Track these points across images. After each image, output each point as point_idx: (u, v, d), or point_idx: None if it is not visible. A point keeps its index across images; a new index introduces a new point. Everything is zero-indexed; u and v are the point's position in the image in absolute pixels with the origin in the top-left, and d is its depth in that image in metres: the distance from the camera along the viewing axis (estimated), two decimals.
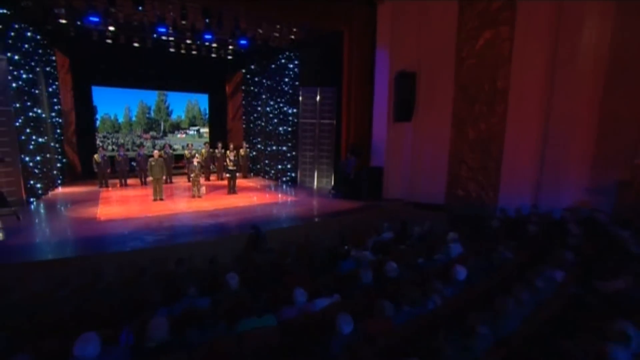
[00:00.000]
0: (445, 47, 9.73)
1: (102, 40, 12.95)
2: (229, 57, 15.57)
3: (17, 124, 9.42)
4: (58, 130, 12.98)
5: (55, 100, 12.82)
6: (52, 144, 12.02)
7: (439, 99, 10.03)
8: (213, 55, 15.13)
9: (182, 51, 14.52)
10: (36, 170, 10.38)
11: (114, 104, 16.31)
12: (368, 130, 11.60)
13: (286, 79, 13.89)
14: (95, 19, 10.49)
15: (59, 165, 12.75)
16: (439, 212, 9.96)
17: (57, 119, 13.03)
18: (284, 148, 14.23)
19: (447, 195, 10.44)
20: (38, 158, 10.51)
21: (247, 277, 4.82)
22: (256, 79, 15.87)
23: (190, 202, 10.31)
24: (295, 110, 13.61)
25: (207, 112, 18.14)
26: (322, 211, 9.58)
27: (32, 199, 9.83)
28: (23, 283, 4.89)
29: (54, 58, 12.96)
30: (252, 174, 16.36)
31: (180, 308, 3.94)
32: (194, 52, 14.82)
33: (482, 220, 8.78)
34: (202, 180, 14.17)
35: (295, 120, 13.62)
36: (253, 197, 11.49)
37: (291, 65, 13.65)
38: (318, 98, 13.21)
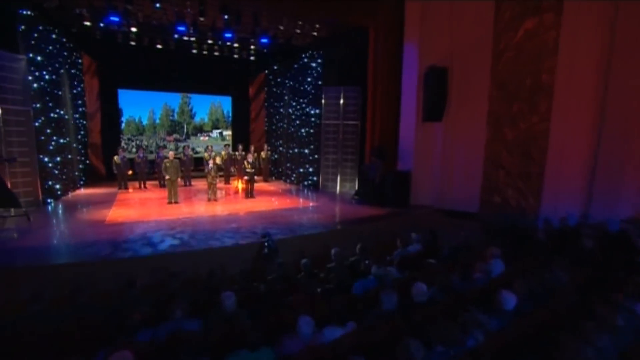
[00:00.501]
0: (481, 39, 8.77)
1: (126, 43, 12.87)
2: (252, 58, 15.17)
3: (37, 124, 9.26)
4: (82, 132, 12.91)
5: (79, 102, 12.77)
6: (74, 145, 11.91)
7: (474, 96, 9.07)
8: (235, 55, 14.79)
9: (205, 52, 14.27)
10: (55, 171, 10.20)
11: (139, 107, 16.24)
12: (394, 131, 10.76)
13: (309, 79, 13.27)
14: (116, 19, 10.30)
15: (81, 166, 12.66)
16: (473, 221, 8.97)
17: (82, 121, 12.98)
18: (306, 151, 13.59)
19: (482, 202, 9.41)
20: (58, 159, 10.35)
21: (250, 295, 4.14)
22: (279, 80, 15.36)
23: (204, 206, 9.81)
24: (317, 111, 12.95)
25: (230, 114, 17.84)
26: (343, 218, 8.82)
27: (49, 200, 9.63)
28: None
29: (80, 61, 12.95)
30: (273, 178, 15.81)
31: (166, 331, 3.30)
32: (216, 53, 14.53)
33: (523, 231, 7.76)
34: (221, 183, 13.79)
35: (318, 122, 12.96)
36: (271, 201, 10.88)
37: (314, 65, 13.02)
38: (342, 98, 12.50)
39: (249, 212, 9.24)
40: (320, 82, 12.79)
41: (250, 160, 11.07)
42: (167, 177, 9.88)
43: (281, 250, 6.47)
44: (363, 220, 8.60)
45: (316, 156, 13.18)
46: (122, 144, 14.95)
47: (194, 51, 13.95)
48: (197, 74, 15.47)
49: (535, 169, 8.55)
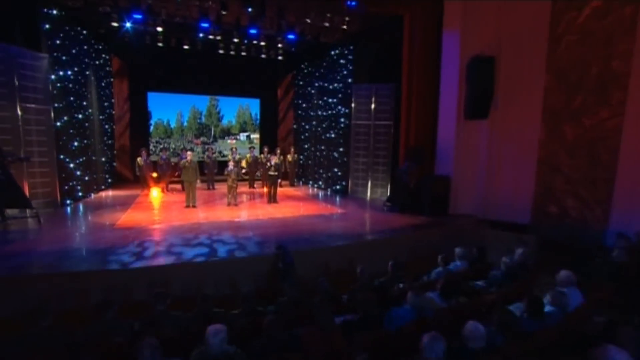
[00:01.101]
0: (535, 23, 7.54)
1: (154, 44, 12.55)
2: (280, 58, 14.46)
3: (59, 124, 8.96)
4: (108, 134, 12.71)
5: (106, 104, 12.59)
6: (99, 147, 11.68)
7: (526, 88, 7.82)
8: (263, 55, 14.15)
9: (232, 52, 13.70)
10: (78, 172, 9.90)
11: (167, 110, 15.98)
12: (432, 131, 9.63)
13: (338, 77, 12.38)
14: (139, 16, 9.93)
15: (107, 168, 12.42)
16: (524, 234, 7.68)
17: (109, 123, 12.80)
18: (335, 154, 12.67)
19: (535, 212, 8.10)
20: (81, 160, 10.05)
21: (250, 325, 3.25)
22: (307, 80, 14.60)
23: (222, 211, 9.11)
24: (347, 111, 12.03)
25: (258, 116, 17.27)
26: (373, 228, 7.79)
27: (69, 201, 9.28)
28: None
29: (109, 63, 12.78)
30: (300, 182, 15.00)
31: None
32: (243, 54, 13.94)
33: (591, 249, 6.44)
34: (245, 187, 13.13)
35: (347, 122, 12.03)
36: (295, 207, 10.03)
37: (343, 61, 12.13)
38: (373, 97, 11.52)
39: (269, 219, 8.43)
40: (350, 80, 11.88)
41: (273, 162, 10.29)
42: (185, 181, 9.27)
43: (300, 265, 5.57)
44: (396, 231, 7.54)
45: (345, 159, 12.24)
46: (151, 146, 14.69)
47: (221, 51, 13.43)
48: (225, 76, 15.09)
49: (603, 174, 7.20)
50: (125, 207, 9.18)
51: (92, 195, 10.82)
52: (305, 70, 14.77)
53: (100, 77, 11.92)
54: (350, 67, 11.87)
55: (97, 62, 11.56)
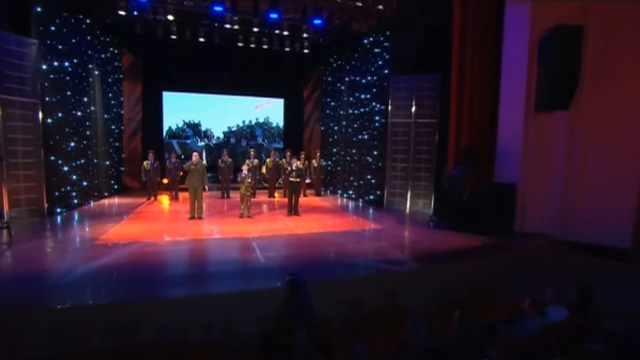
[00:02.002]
0: None
1: (167, 37, 11.74)
2: (305, 51, 13.29)
3: (50, 120, 8.13)
4: (115, 136, 11.95)
5: (114, 102, 11.86)
6: (103, 149, 10.90)
7: (626, 68, 6.12)
8: (287, 48, 13.03)
9: (252, 45, 12.69)
10: (73, 177, 9.06)
11: (184, 110, 15.19)
12: (490, 128, 8.06)
13: (372, 69, 11.03)
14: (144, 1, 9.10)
15: (112, 172, 11.63)
16: (624, 262, 5.93)
17: (117, 123, 12.07)
18: (368, 158, 11.26)
19: (638, 233, 6.30)
20: (78, 162, 9.22)
21: None
22: (336, 75, 13.34)
23: (232, 224, 7.91)
24: (383, 108, 10.63)
25: (283, 118, 16.19)
26: (418, 251, 6.27)
27: (59, 209, 8.41)
28: None
29: (118, 57, 12.08)
30: (327, 191, 13.66)
31: None
32: (265, 46, 12.89)
33: None
34: (264, 195, 11.95)
35: (384, 121, 10.62)
36: (320, 221, 8.69)
37: (378, 50, 10.77)
38: (414, 90, 10.07)
39: (287, 235, 7.12)
40: (387, 72, 10.49)
41: (294, 167, 9.01)
42: (189, 188, 8.15)
43: (322, 300, 4.20)
44: (448, 256, 6.00)
45: (380, 164, 10.81)
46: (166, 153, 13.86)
47: (240, 44, 12.45)
48: (246, 73, 14.20)
49: None
50: (121, 218, 8.17)
51: (92, 203, 9.97)
52: (334, 64, 13.52)
53: (107, 71, 11.19)
54: (387, 57, 10.49)
55: (102, 56, 10.84)
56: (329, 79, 13.92)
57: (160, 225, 7.70)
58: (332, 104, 13.65)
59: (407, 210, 10.29)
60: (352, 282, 4.81)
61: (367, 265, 5.53)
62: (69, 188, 8.84)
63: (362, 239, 7.06)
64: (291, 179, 9.00)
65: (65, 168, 8.68)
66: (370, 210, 10.24)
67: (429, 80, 9.90)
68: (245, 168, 8.56)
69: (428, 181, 10.09)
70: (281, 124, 16.27)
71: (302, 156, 10.67)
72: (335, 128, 13.43)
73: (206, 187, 8.47)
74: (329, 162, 13.55)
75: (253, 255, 5.71)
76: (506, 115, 7.57)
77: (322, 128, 14.49)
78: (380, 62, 10.74)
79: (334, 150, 13.55)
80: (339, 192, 13.07)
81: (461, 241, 6.81)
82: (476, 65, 8.08)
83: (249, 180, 8.50)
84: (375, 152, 11.00)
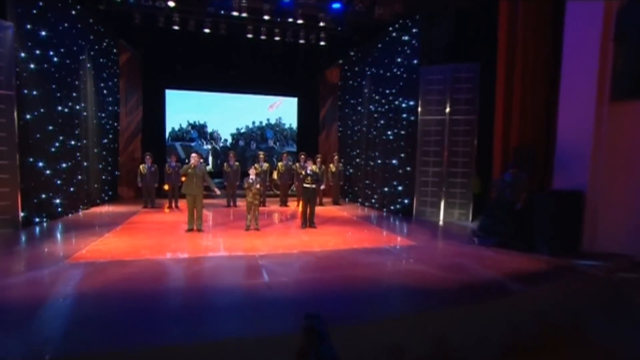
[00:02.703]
0: None
1: (169, 28, 10.95)
2: (322, 44, 12.33)
3: (29, 116, 7.33)
4: (110, 136, 11.14)
5: (110, 99, 11.07)
6: (95, 151, 10.07)
7: None
8: (301, 41, 12.11)
9: (263, 37, 11.80)
10: (58, 182, 8.21)
11: (188, 109, 14.40)
12: (547, 123, 6.90)
13: (399, 59, 9.97)
14: None
15: (105, 177, 10.81)
16: None
17: (112, 122, 11.26)
18: (394, 161, 10.16)
19: None
20: (64, 165, 8.39)
21: None
22: (356, 69, 12.32)
23: (236, 238, 6.90)
24: (412, 104, 9.55)
25: (296, 118, 15.29)
26: (465, 277, 5.10)
27: (39, 219, 7.56)
28: None
29: (114, 50, 11.31)
30: (346, 199, 12.58)
31: None
32: (277, 38, 11.99)
33: None
34: (275, 204, 10.96)
35: (412, 119, 9.53)
36: (339, 235, 7.62)
37: (406, 37, 9.71)
38: (450, 82, 8.98)
39: (301, 253, 6.05)
40: (416, 61, 9.41)
41: (309, 170, 7.98)
42: (187, 195, 7.19)
43: (352, 350, 3.15)
44: (505, 284, 4.82)
45: (409, 168, 9.71)
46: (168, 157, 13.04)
47: (250, 36, 11.57)
48: (256, 69, 13.44)
49: None
50: (107, 230, 7.25)
51: (81, 212, 9.12)
52: (354, 57, 12.51)
53: (101, 65, 10.41)
54: (416, 44, 9.43)
55: (96, 47, 10.07)
56: (348, 73, 12.90)
57: (152, 238, 6.73)
58: (352, 101, 12.61)
59: (441, 221, 9.14)
60: (388, 324, 3.70)
61: (405, 298, 4.42)
62: (51, 194, 7.99)
63: (393, 259, 5.94)
64: (306, 185, 7.95)
65: (48, 171, 7.84)
66: (398, 222, 9.11)
67: (466, 70, 8.79)
68: (252, 172, 7.55)
69: (465, 188, 8.94)
70: (294, 125, 15.36)
71: (319, 160, 9.57)
72: (356, 128, 12.37)
73: (216, 189, 7.50)
74: (348, 167, 12.47)
75: (259, 281, 4.66)
76: (569, 106, 6.39)
77: (341, 129, 13.44)
78: (408, 52, 9.68)
79: (354, 153, 12.48)
80: (360, 200, 11.98)
81: (517, 263, 5.63)
82: (529, 48, 6.95)
83: (257, 186, 7.50)
84: (403, 155, 9.89)
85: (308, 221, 8.03)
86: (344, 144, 13.12)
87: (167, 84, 13.65)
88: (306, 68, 13.94)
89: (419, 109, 9.33)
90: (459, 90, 8.89)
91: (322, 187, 8.19)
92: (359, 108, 12.13)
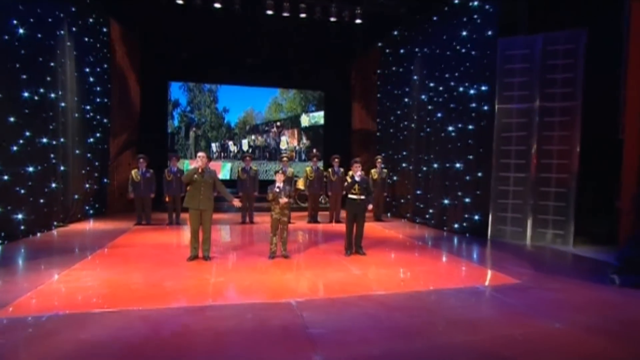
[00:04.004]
0: None
1: (171, 4, 9.55)
2: (358, 22, 10.70)
3: None
4: (98, 135, 9.64)
5: (98, 89, 9.58)
6: (78, 152, 8.59)
7: None
8: (332, 18, 10.52)
9: (285, 14, 10.27)
10: (21, 191, 6.65)
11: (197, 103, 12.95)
12: None
13: (464, 32, 8.23)
14: None
15: (91, 184, 9.29)
16: None
17: (99, 117, 9.77)
18: (458, 165, 8.37)
19: None
20: (30, 170, 6.85)
21: None
22: (402, 51, 10.59)
23: (259, 273, 5.17)
24: (484, 89, 7.77)
25: (323, 114, 13.71)
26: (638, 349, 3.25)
27: None
28: None
29: (104, 29, 9.85)
30: (388, 214, 10.76)
31: None
32: (303, 15, 10.44)
33: None
34: (302, 221, 9.23)
35: (486, 109, 7.76)
36: (400, 266, 5.85)
37: (476, 3, 7.96)
38: (539, 57, 7.17)
39: (358, 299, 4.26)
40: (490, 33, 7.65)
41: (358, 177, 6.23)
42: (190, 209, 5.52)
43: None
44: None
45: (480, 174, 7.89)
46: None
47: (269, 12, 10.03)
48: (277, 56, 12.29)
49: None
50: (82, 256, 5.63)
51: (55, 230, 7.56)
52: (399, 37, 10.81)
53: (86, 45, 8.98)
54: (492, 10, 7.69)
55: (80, 22, 8.61)
56: (390, 58, 11.19)
57: (139, 271, 5.05)
58: (395, 91, 10.87)
59: (528, 243, 7.28)
60: None
61: None
62: (10, 207, 6.41)
63: (503, 310, 4.08)
64: (353, 195, 6.19)
65: (6, 177, 6.28)
66: (471, 246, 7.26)
67: (565, 40, 7.00)
68: (279, 179, 5.83)
69: (562, 200, 7.06)
70: (321, 121, 13.72)
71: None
72: (401, 125, 10.61)
73: (234, 200, 5.85)
74: (391, 174, 10.66)
75: (304, 355, 2.90)
76: None
77: (379, 126, 11.68)
78: (478, 21, 7.92)
79: (398, 156, 10.70)
80: (408, 215, 10.16)
81: None
82: None
83: (287, 199, 5.79)
84: (471, 157, 8.08)
85: (355, 245, 6.27)
86: (385, 144, 11.34)
87: (169, 74, 12.29)
88: (337, 53, 12.56)
89: (497, 96, 7.54)
90: (554, 68, 7.09)
91: (370, 207, 6.44)
92: (406, 99, 10.38)
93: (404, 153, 10.50)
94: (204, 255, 5.60)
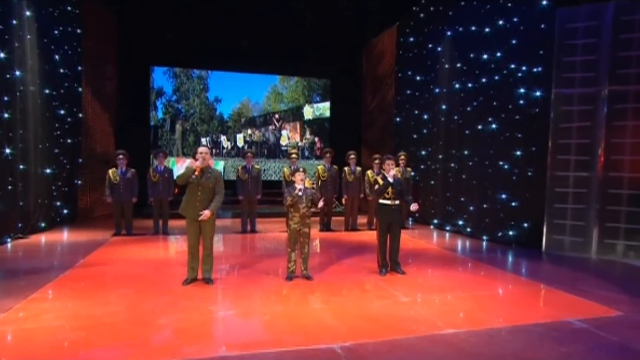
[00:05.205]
0: None
1: None
2: None
3: None
4: (67, 126, 8.65)
5: (66, 71, 8.57)
6: (43, 147, 7.60)
7: None
8: None
9: None
10: None
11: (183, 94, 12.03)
12: None
13: (509, 4, 7.41)
14: None
15: (57, 187, 8.33)
16: None
17: (70, 105, 8.76)
18: (502, 163, 7.52)
19: None
20: None
21: None
22: (425, 30, 9.74)
23: (280, 304, 4.25)
24: (537, 71, 6.94)
25: (329, 105, 12.88)
26: None
27: None
28: None
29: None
30: (409, 220, 9.86)
31: None
32: None
33: None
34: (313, 228, 8.28)
35: (538, 95, 6.93)
36: (456, 293, 4.95)
37: None
38: (608, 30, 6.35)
39: (424, 341, 3.34)
40: (545, 2, 6.81)
41: (391, 176, 5.34)
42: (186, 217, 4.54)
43: None
44: None
45: (530, 173, 7.06)
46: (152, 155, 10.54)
47: None
48: (275, 38, 11.56)
49: None
50: (44, 280, 4.61)
51: (10, 243, 6.55)
52: (421, 14, 9.94)
53: (51, 17, 8.04)
54: None
55: None
56: (411, 39, 10.30)
57: (119, 300, 4.06)
58: (418, 78, 10.01)
59: (593, 257, 6.44)
60: None
61: None
62: None
63: (626, 358, 3.20)
64: (385, 201, 5.30)
65: None
66: (526, 261, 6.38)
67: None
68: (299, 180, 4.89)
69: (638, 205, 6.22)
70: (327, 113, 12.87)
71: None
72: (425, 116, 9.75)
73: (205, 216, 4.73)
74: (413, 173, 9.76)
75: None
76: None
77: (398, 119, 10.78)
78: None
79: (422, 152, 9.86)
80: (436, 222, 9.29)
81: None
82: None
83: (308, 206, 4.87)
84: (519, 153, 7.24)
85: (392, 262, 5.35)
86: (405, 139, 10.44)
87: (152, 58, 11.40)
88: (346, 34, 11.88)
89: (553, 79, 6.71)
90: (628, 43, 6.28)
91: (414, 207, 5.52)
92: (431, 87, 9.53)
93: (429, 149, 9.68)
94: (204, 277, 4.64)
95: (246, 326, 3.65)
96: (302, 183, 4.91)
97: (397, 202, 5.38)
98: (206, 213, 4.44)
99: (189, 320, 3.63)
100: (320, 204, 5.05)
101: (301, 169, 5.11)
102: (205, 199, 4.49)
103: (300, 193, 4.79)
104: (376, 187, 5.46)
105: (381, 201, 5.41)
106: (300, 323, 3.66)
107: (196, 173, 4.41)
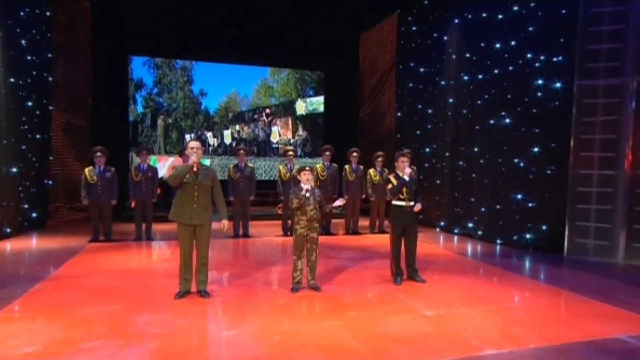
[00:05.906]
0: None
1: None
2: None
3: None
4: (35, 120, 8.17)
5: (33, 58, 8.11)
6: (5, 143, 7.12)
7: None
8: None
9: None
10: None
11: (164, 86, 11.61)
12: None
13: None
14: None
15: (25, 188, 7.88)
16: None
17: (39, 97, 8.28)
18: (517, 161, 7.28)
19: None
20: None
21: None
22: (430, 18, 9.51)
23: (289, 320, 3.88)
24: (557, 60, 6.72)
25: (323, 100, 12.62)
26: None
27: None
28: None
29: None
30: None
31: None
32: None
33: None
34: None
35: (558, 86, 6.70)
36: (484, 306, 4.66)
37: None
38: (637, 17, 6.13)
39: None
40: None
41: (407, 176, 5.05)
42: (178, 223, 4.15)
43: None
44: None
45: (550, 172, 6.82)
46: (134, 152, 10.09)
47: None
48: (265, 27, 11.34)
49: None
50: (8, 298, 4.15)
51: None
52: (425, 1, 9.66)
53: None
54: None
55: None
56: (414, 27, 10.04)
57: (101, 319, 3.64)
58: (422, 69, 9.75)
59: (620, 262, 6.23)
60: None
61: None
62: None
63: None
64: (399, 202, 5.00)
65: None
66: (549, 267, 6.11)
67: None
68: (305, 178, 4.53)
69: None
70: (320, 108, 12.60)
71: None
72: (429, 111, 9.50)
73: (224, 224, 4.40)
74: (419, 172, 9.50)
75: None
76: None
77: (399, 113, 10.50)
78: None
79: (426, 150, 9.60)
80: (442, 224, 9.04)
81: None
82: None
83: (317, 208, 4.55)
84: (536, 149, 7.00)
85: (410, 269, 5.03)
86: (407, 136, 10.18)
87: (131, 46, 11.07)
88: (341, 23, 11.59)
89: (576, 70, 6.48)
90: None
91: (417, 207, 5.22)
92: (436, 79, 9.30)
93: (434, 146, 9.43)
94: (198, 289, 4.23)
95: (254, 349, 3.23)
96: (308, 183, 4.55)
97: (411, 203, 5.08)
98: (225, 223, 4.35)
99: (185, 343, 3.22)
100: (339, 202, 4.85)
101: (307, 167, 4.72)
102: (202, 201, 4.10)
103: (307, 194, 4.42)
104: (389, 186, 5.15)
105: (395, 202, 5.11)
106: (317, 343, 3.27)
107: (194, 169, 4.00)
